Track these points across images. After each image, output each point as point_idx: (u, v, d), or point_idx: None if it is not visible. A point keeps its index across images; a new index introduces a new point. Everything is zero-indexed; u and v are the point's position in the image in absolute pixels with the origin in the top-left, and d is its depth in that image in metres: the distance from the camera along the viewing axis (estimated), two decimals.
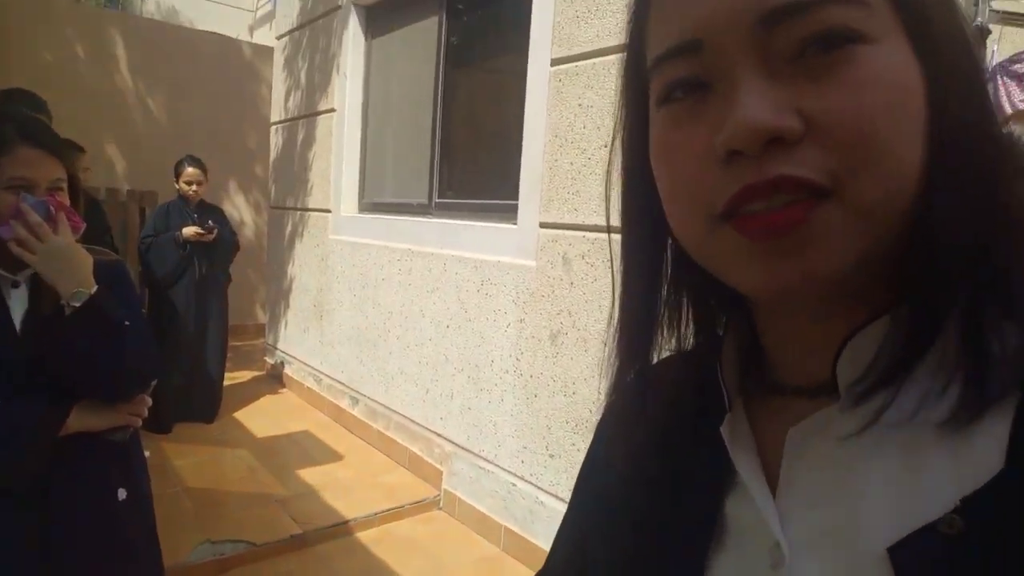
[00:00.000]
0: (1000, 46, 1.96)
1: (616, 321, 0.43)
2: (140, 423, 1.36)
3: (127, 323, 1.26)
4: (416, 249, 3.43)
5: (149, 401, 1.39)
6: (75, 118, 4.56)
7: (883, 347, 0.33)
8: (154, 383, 1.41)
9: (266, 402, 4.55)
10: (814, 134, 0.30)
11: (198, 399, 3.99)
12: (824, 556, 0.33)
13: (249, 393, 4.68)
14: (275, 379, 5.05)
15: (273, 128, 5.25)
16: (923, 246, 0.32)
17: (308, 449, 3.71)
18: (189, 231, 3.82)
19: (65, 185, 1.25)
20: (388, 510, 3.01)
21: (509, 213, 2.88)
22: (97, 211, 3.17)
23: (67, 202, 1.24)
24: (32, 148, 1.18)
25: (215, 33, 6.82)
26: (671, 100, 0.35)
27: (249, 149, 6.70)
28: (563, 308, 2.51)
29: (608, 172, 0.44)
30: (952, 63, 0.32)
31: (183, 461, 3.40)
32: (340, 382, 4.17)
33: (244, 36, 8.44)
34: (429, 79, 3.62)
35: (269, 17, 9.63)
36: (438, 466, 3.23)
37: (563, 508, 2.43)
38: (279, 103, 5.14)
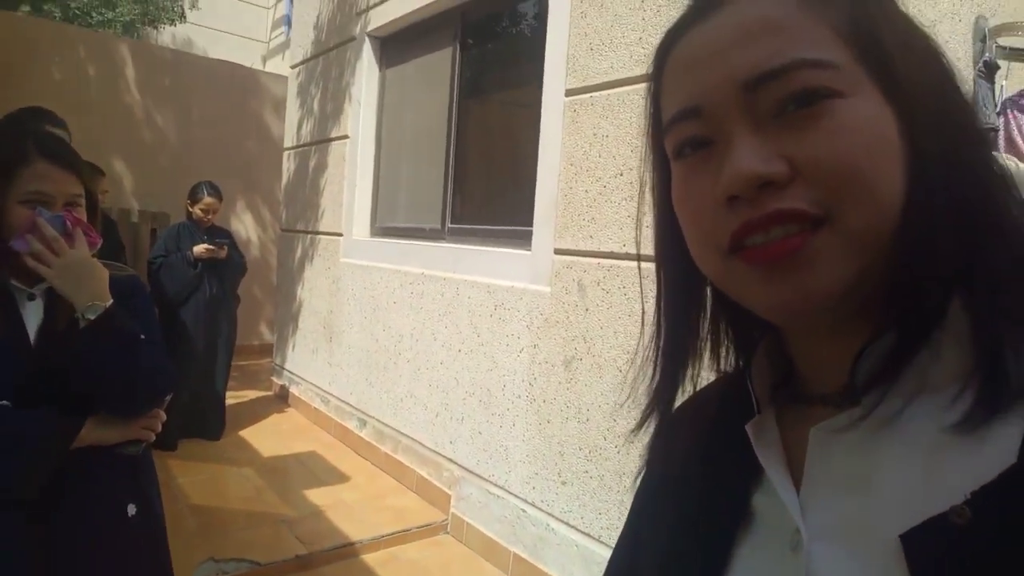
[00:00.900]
0: (1008, 82, 1.98)
1: (658, 350, 0.48)
2: (153, 438, 1.36)
3: (142, 336, 1.27)
4: (429, 273, 3.44)
5: (163, 416, 1.39)
6: (87, 140, 4.65)
7: (893, 356, 0.36)
8: (168, 398, 1.42)
9: (272, 422, 4.54)
10: (801, 175, 0.36)
11: (205, 417, 4.00)
12: (840, 542, 0.36)
13: (255, 412, 4.67)
14: (281, 399, 5.04)
15: (286, 154, 5.34)
16: (907, 264, 0.36)
17: (314, 470, 3.69)
18: (200, 249, 3.86)
19: (83, 201, 1.26)
20: (395, 533, 2.98)
21: (523, 239, 2.89)
22: (112, 230, 3.22)
23: (84, 218, 1.26)
24: (50, 163, 1.20)
25: (227, 61, 6.98)
26: (683, 156, 0.42)
27: (257, 173, 6.80)
28: (578, 334, 2.51)
29: (639, 208, 0.53)
30: (920, 104, 0.37)
31: (188, 479, 3.38)
32: (348, 403, 4.16)
33: (257, 66, 8.63)
34: (443, 108, 3.68)
35: (281, 48, 9.87)
36: (446, 490, 3.20)
37: (575, 535, 2.43)
38: (292, 129, 5.22)
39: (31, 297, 1.23)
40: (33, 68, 5.35)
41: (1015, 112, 1.94)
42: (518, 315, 2.82)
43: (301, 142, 5.06)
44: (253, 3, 11.18)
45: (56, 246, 1.17)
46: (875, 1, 0.39)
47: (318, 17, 4.86)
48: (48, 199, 1.19)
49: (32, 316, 1.23)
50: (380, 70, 4.27)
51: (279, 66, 8.97)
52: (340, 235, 4.40)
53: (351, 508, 3.21)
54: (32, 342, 1.21)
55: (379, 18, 4.08)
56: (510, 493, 2.81)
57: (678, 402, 0.50)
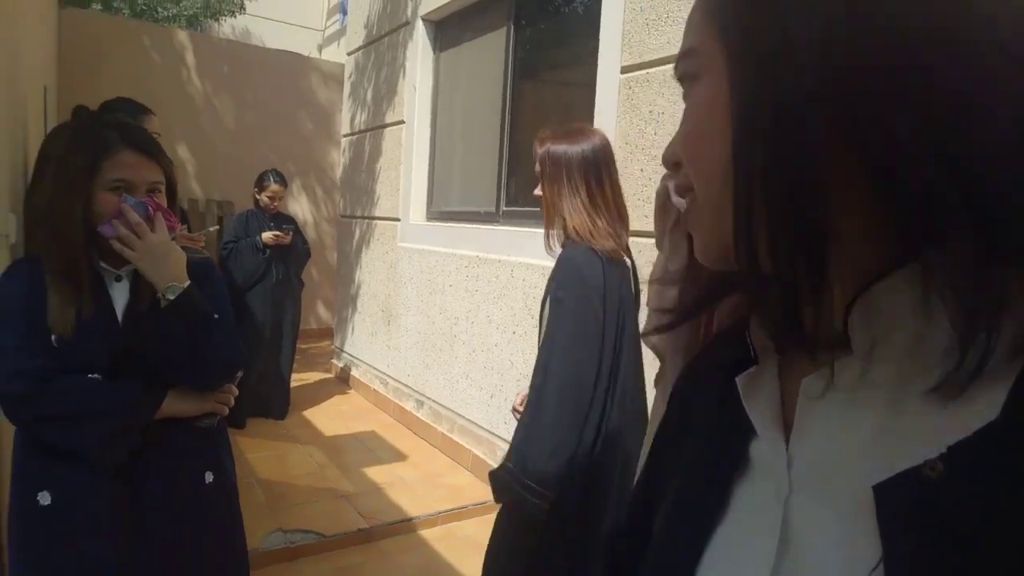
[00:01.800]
0: None
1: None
2: (227, 411, 1.43)
3: (216, 316, 1.34)
4: (483, 256, 3.47)
5: (235, 391, 1.47)
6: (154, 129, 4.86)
7: (887, 308, 0.35)
8: (240, 374, 1.49)
9: (334, 403, 4.70)
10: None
11: (271, 397, 4.17)
12: (817, 492, 0.37)
13: (317, 394, 4.84)
14: (342, 381, 5.20)
15: (343, 140, 5.45)
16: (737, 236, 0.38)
17: (374, 448, 3.80)
18: (268, 236, 4.01)
19: (163, 187, 1.33)
20: (451, 510, 3.05)
21: None
22: (183, 218, 3.37)
23: (164, 203, 1.33)
24: (133, 152, 1.27)
25: (285, 51, 7.15)
26: None
27: (316, 159, 6.97)
28: None
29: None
30: (744, 57, 0.37)
31: (256, 454, 3.55)
32: (406, 385, 4.26)
33: (313, 54, 8.80)
34: (497, 89, 3.68)
35: (336, 36, 10.03)
36: None
37: None
38: (348, 117, 5.32)
39: (118, 278, 1.31)
40: (105, 62, 5.63)
41: None
42: None
43: (357, 129, 5.15)
44: None
45: (139, 230, 1.24)
46: None
47: (372, 3, 4.92)
48: (132, 186, 1.26)
49: (119, 296, 1.31)
50: (434, 53, 4.30)
51: (335, 54, 9.13)
52: (397, 220, 4.47)
53: (409, 485, 3.30)
54: (120, 320, 1.29)
55: (432, 1, 4.09)
56: None
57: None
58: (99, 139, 1.25)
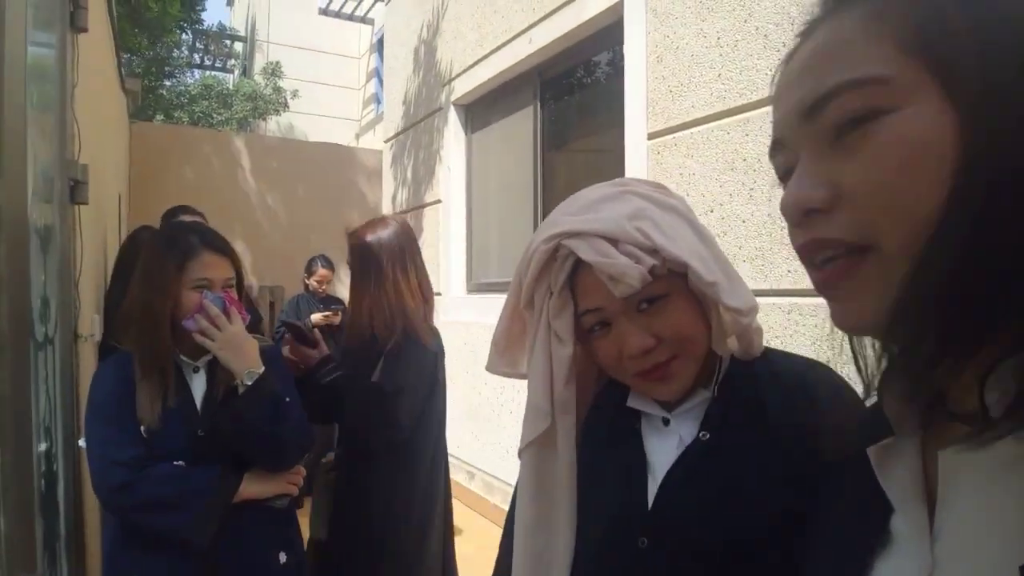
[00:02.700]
0: None
1: None
2: (296, 491, 1.49)
3: (287, 399, 1.42)
4: None
5: (303, 471, 1.53)
6: (215, 226, 5.17)
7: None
8: (308, 455, 1.55)
9: None
10: (843, 202, 0.37)
11: None
12: (967, 569, 0.36)
13: None
14: None
15: None
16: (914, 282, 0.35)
17: None
18: (317, 317, 4.17)
19: (235, 283, 1.45)
20: None
21: None
22: (249, 304, 3.55)
23: (236, 297, 1.45)
24: (211, 253, 1.40)
25: (326, 143, 7.60)
26: (783, 182, 0.44)
27: None
28: None
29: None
30: (989, 104, 0.33)
31: None
32: (456, 457, 4.26)
33: (352, 142, 9.31)
34: (528, 163, 3.85)
35: (372, 123, 10.60)
36: None
37: None
38: (389, 199, 5.58)
39: (196, 369, 1.41)
40: (169, 167, 6.08)
41: None
42: None
43: (398, 210, 5.39)
44: (345, 87, 12.16)
45: (219, 323, 1.35)
46: (957, 3, 0.36)
47: (406, 92, 5.24)
48: (210, 284, 1.38)
49: (197, 387, 1.40)
50: (466, 135, 4.52)
51: (371, 140, 9.64)
52: (438, 294, 4.60)
53: (467, 560, 3.25)
54: (199, 409, 1.38)
55: (462, 86, 4.35)
56: None
57: None
58: (184, 243, 1.37)
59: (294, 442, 1.41)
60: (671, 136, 2.57)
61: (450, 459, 4.26)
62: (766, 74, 2.18)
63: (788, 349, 0.79)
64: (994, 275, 0.32)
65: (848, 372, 0.53)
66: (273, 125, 10.78)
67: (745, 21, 2.26)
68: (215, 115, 9.08)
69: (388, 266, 1.85)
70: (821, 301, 0.42)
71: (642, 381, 0.71)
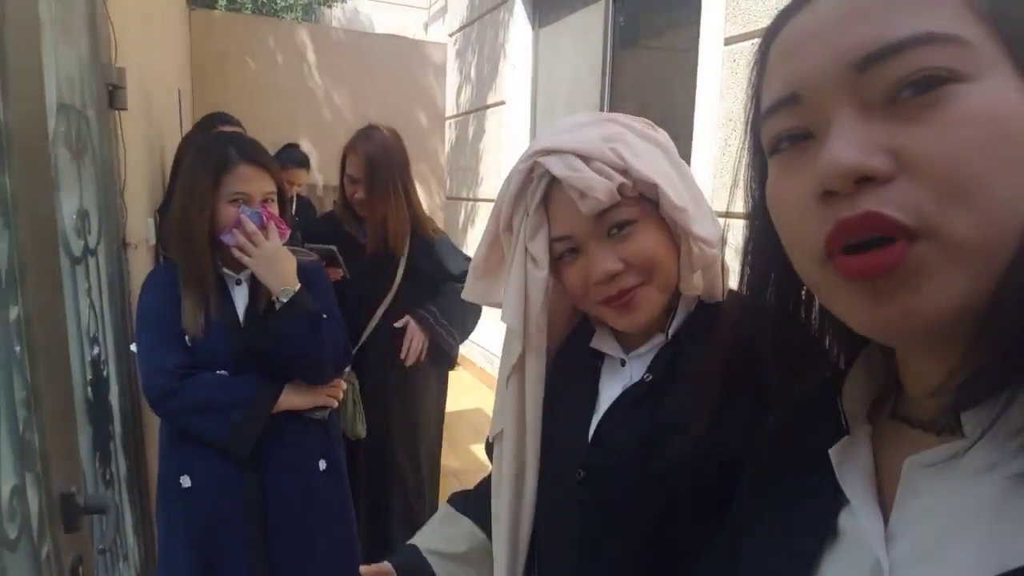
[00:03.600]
0: None
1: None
2: (336, 404, 1.54)
3: (325, 316, 1.43)
4: None
5: (343, 385, 1.57)
6: (280, 123, 5.18)
7: (999, 386, 0.31)
8: (347, 368, 1.58)
9: None
10: (907, 173, 0.31)
11: None
12: (934, 573, 0.34)
13: None
14: None
15: (447, 123, 5.55)
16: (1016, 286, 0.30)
17: (479, 426, 3.93)
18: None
19: (275, 197, 1.43)
20: None
21: None
22: (309, 211, 3.57)
23: (276, 212, 1.43)
24: (249, 165, 1.37)
25: (392, 35, 7.34)
26: (779, 151, 0.38)
27: (424, 142, 7.15)
28: None
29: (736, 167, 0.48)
30: None
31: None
32: (483, 347, 4.35)
33: (419, 32, 8.98)
34: (597, 64, 3.60)
35: (440, 13, 10.16)
36: None
37: None
38: (452, 98, 5.41)
39: (238, 282, 1.43)
40: (233, 59, 6.04)
41: None
42: None
43: (460, 110, 5.23)
44: None
45: (256, 239, 1.34)
46: None
47: None
48: (248, 197, 1.36)
49: (240, 299, 1.43)
50: (533, 29, 4.26)
51: (440, 31, 9.28)
52: None
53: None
54: (241, 321, 1.41)
55: None
56: None
57: None
58: (220, 156, 1.35)
59: (330, 359, 1.43)
60: (750, 42, 2.31)
61: (477, 349, 4.36)
62: None
63: None
64: None
65: None
66: (339, 11, 10.51)
67: None
68: (279, 0, 8.88)
69: (399, 178, 1.96)
70: None
71: (607, 308, 0.72)
